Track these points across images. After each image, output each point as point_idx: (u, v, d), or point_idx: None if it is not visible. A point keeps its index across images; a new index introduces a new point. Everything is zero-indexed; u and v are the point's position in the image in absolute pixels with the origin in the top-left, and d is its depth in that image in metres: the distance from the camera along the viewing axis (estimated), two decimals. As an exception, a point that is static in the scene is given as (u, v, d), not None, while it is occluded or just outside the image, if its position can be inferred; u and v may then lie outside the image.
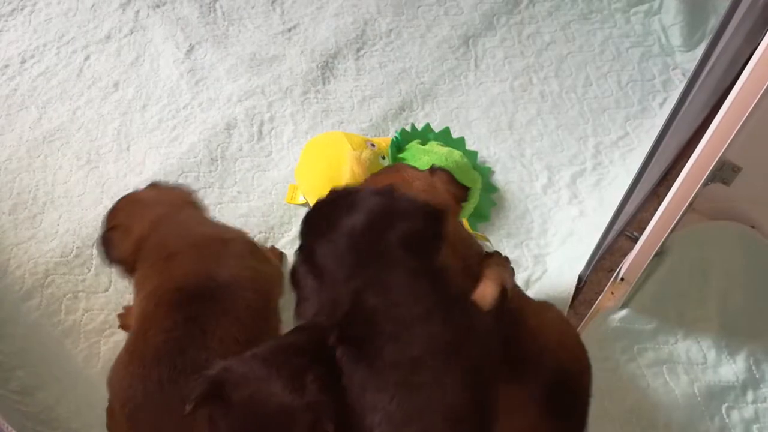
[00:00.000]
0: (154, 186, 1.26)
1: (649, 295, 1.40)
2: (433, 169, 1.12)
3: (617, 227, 1.49)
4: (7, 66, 1.80)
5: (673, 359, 1.33)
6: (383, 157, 1.46)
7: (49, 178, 1.56)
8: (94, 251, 1.42)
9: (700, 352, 1.34)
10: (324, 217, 0.99)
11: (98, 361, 1.26)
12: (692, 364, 1.32)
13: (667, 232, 1.11)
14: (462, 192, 1.09)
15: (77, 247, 1.42)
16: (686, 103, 0.94)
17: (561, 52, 1.94)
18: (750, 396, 1.28)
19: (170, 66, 1.81)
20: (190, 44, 1.86)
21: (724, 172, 1.39)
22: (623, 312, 1.37)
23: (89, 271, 1.39)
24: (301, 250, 1.01)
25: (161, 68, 1.81)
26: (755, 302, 1.40)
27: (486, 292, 0.97)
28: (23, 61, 1.81)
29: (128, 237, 1.11)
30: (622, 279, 1.40)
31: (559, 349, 1.06)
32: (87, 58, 1.83)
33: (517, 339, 1.02)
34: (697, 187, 1.00)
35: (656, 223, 1.13)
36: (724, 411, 1.27)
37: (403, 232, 0.93)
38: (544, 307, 1.13)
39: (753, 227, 1.49)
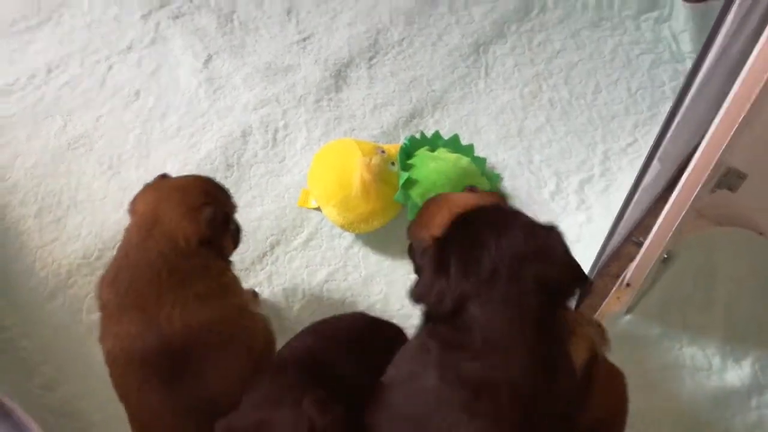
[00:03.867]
0: None
1: (655, 300, 1.42)
2: None
3: (623, 233, 1.51)
4: (34, 76, 1.87)
5: (677, 365, 1.34)
6: (393, 163, 1.50)
7: (73, 183, 1.63)
8: (115, 252, 1.47)
9: (705, 358, 1.35)
10: (472, 222, 0.95)
11: (117, 359, 1.32)
12: (697, 370, 1.34)
13: (668, 237, 1.13)
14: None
15: (99, 249, 1.49)
16: (684, 105, 0.96)
17: (571, 59, 1.96)
18: (754, 401, 1.29)
19: (189, 75, 1.87)
20: (209, 54, 1.93)
21: (729, 179, 1.40)
22: (628, 317, 1.39)
23: (110, 272, 1.45)
24: (437, 242, 0.96)
25: (180, 78, 1.88)
26: (762, 309, 1.41)
27: (577, 353, 0.94)
28: (49, 71, 1.89)
29: None
30: (628, 284, 1.41)
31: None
32: (110, 68, 1.90)
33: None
34: (696, 191, 1.02)
35: (658, 228, 1.15)
36: (728, 417, 1.28)
37: (544, 273, 0.89)
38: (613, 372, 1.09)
39: (761, 234, 1.50)
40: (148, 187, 1.18)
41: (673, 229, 1.09)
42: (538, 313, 0.87)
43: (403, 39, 1.99)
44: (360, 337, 1.13)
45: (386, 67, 1.92)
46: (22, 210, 1.57)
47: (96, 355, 1.32)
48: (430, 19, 2.05)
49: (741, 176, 1.39)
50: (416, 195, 1.45)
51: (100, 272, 1.44)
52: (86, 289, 1.41)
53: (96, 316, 1.37)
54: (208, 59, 1.91)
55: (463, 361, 0.85)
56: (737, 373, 1.32)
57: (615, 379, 1.12)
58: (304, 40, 1.98)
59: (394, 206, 1.50)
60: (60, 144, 1.71)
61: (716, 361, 1.34)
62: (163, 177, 1.21)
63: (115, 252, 1.48)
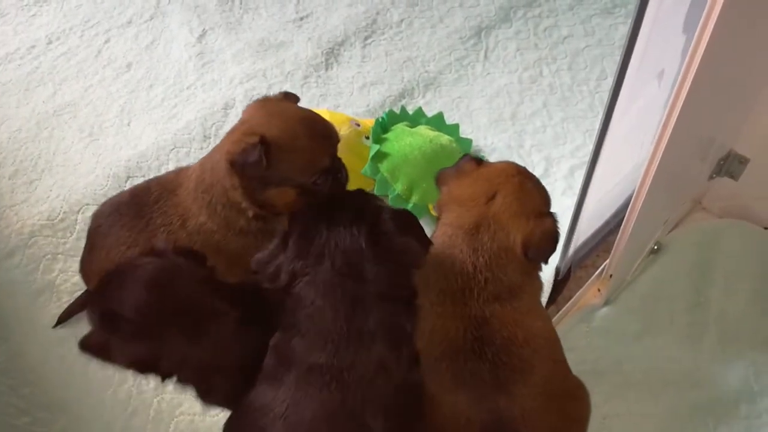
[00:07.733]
0: None
1: (639, 294, 1.29)
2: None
3: (613, 223, 1.39)
4: (33, 46, 1.89)
5: (656, 365, 1.21)
6: (366, 137, 1.43)
7: (52, 148, 1.62)
8: (79, 216, 1.46)
9: (690, 359, 1.21)
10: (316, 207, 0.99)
11: (64, 320, 1.28)
12: (678, 371, 1.20)
13: (636, 215, 1.01)
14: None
15: (64, 212, 1.46)
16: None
17: (578, 45, 1.85)
18: (743, 410, 1.15)
19: (181, 49, 1.86)
20: (203, 29, 1.91)
21: (730, 164, 1.27)
22: (605, 310, 1.27)
23: (71, 234, 1.42)
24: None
25: (173, 51, 1.86)
26: (761, 310, 1.26)
27: None
28: (49, 42, 1.90)
29: None
30: (611, 276, 1.29)
31: None
32: (107, 41, 1.90)
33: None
34: (657, 162, 0.91)
35: (630, 208, 1.04)
36: (710, 425, 1.14)
37: (367, 261, 0.91)
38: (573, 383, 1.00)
39: (766, 228, 1.35)
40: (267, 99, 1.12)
41: (642, 201, 0.98)
42: (356, 297, 0.89)
43: (402, 20, 1.93)
44: None
45: (381, 47, 1.85)
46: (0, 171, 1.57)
47: (42, 317, 1.31)
48: (434, 1, 1.98)
49: (742, 161, 1.26)
50: (385, 169, 1.37)
51: (61, 234, 1.44)
52: (45, 250, 1.39)
53: (49, 276, 1.37)
54: (203, 34, 1.89)
55: (291, 340, 0.89)
56: (725, 378, 1.18)
57: (575, 390, 1.00)
58: (302, 18, 1.94)
59: (365, 182, 1.42)
60: (47, 110, 1.71)
61: (703, 362, 1.20)
62: (288, 96, 1.13)
63: (79, 215, 1.48)
